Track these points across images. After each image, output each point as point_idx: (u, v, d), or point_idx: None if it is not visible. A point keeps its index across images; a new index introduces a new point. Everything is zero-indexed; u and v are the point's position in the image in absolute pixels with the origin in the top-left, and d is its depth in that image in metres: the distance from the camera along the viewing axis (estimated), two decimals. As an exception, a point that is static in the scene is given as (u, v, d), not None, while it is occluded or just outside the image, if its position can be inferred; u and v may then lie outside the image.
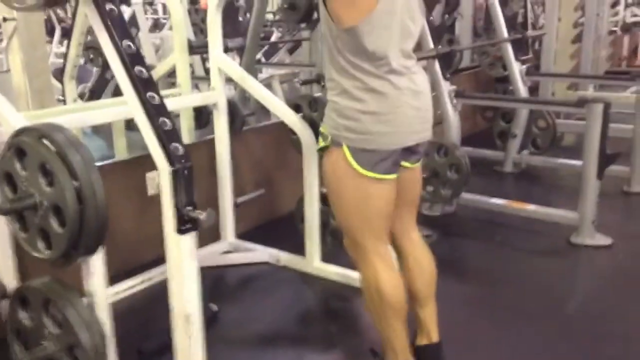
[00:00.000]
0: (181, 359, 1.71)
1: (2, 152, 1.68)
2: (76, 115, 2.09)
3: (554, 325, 2.30)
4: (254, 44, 3.79)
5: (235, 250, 2.93)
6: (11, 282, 2.07)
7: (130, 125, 3.42)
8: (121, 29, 1.52)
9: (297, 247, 2.77)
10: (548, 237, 3.12)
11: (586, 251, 2.96)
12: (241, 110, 2.91)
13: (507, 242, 3.12)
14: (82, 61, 3.97)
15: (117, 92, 4.09)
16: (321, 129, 1.78)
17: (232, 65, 2.73)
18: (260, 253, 2.86)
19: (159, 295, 2.55)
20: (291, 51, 5.76)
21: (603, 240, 3.00)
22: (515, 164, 4.22)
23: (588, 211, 2.98)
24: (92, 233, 1.58)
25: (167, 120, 1.53)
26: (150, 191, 2.71)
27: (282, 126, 2.75)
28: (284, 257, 2.81)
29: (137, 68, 1.51)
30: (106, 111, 2.23)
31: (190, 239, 1.58)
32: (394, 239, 1.90)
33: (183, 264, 1.57)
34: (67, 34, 6.17)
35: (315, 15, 3.67)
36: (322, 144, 1.77)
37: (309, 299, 2.64)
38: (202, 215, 1.52)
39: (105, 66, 4.07)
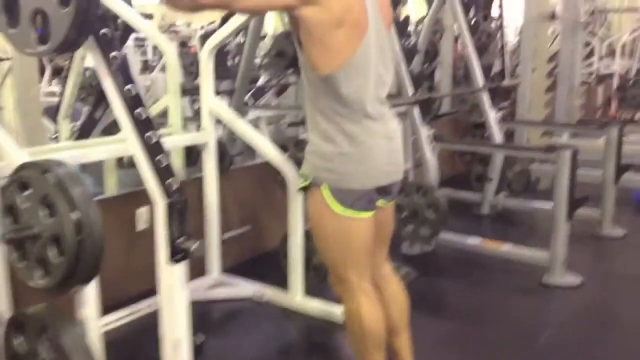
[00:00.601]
0: (170, 385, 1.79)
1: (4, 186, 1.79)
2: (74, 152, 2.20)
3: (525, 357, 2.42)
4: (243, 87, 3.97)
5: (220, 285, 3.02)
6: (5, 311, 2.14)
7: (121, 163, 3.54)
8: (123, 74, 1.66)
9: (281, 282, 2.87)
10: (522, 276, 3.26)
11: (557, 290, 3.09)
12: (229, 150, 3.05)
13: (482, 280, 3.25)
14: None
15: (106, 131, 4.23)
16: (302, 169, 1.89)
17: (222, 108, 2.88)
18: (245, 288, 2.95)
19: (145, 328, 2.64)
20: (278, 94, 5.96)
21: (573, 279, 3.14)
22: (492, 206, 4.38)
23: (559, 251, 3.13)
24: (88, 263, 1.67)
25: (162, 158, 1.66)
26: (140, 227, 2.81)
27: (267, 166, 2.88)
28: (268, 292, 2.90)
29: (137, 110, 1.65)
30: (102, 149, 2.35)
31: (181, 268, 1.69)
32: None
33: (174, 292, 1.67)
34: (56, 73, 6.32)
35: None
36: (303, 183, 1.87)
37: (292, 333, 2.73)
38: (193, 245, 1.63)
39: (95, 106, 4.20)
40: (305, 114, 1.86)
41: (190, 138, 2.96)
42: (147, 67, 6.48)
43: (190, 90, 3.04)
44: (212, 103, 2.87)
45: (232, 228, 3.21)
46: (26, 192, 1.72)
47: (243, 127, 2.82)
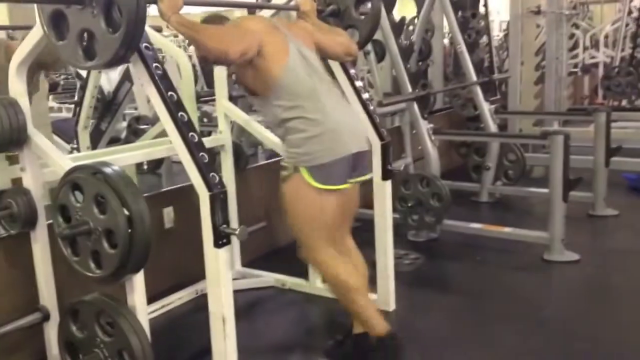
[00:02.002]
0: (217, 357, 1.98)
1: (58, 187, 1.97)
2: (111, 157, 2.39)
3: (530, 326, 2.65)
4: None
5: (242, 277, 3.22)
6: (52, 305, 2.32)
7: (140, 169, 3.74)
8: (165, 82, 1.86)
9: (298, 272, 3.07)
10: (523, 255, 3.48)
11: (557, 266, 3.31)
12: (245, 151, 3.24)
13: (486, 260, 3.47)
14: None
15: (111, 143, 4.38)
16: (283, 163, 2.24)
17: (236, 111, 3.08)
18: (267, 278, 3.15)
19: (176, 319, 2.83)
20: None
21: (571, 256, 3.36)
22: (490, 194, 4.60)
23: (557, 231, 3.35)
24: (138, 253, 1.86)
25: (205, 155, 1.86)
26: (167, 225, 3.01)
27: (279, 164, 3.07)
28: (289, 281, 3.10)
29: (180, 113, 1.85)
30: (134, 153, 2.55)
31: (225, 251, 1.89)
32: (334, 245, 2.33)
33: (220, 272, 1.87)
34: (52, 89, 6.48)
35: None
36: (285, 174, 2.22)
37: (314, 315, 2.94)
38: (236, 231, 1.83)
39: (101, 118, 4.37)
40: (271, 130, 2.38)
41: (208, 141, 3.15)
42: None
43: (206, 97, 3.23)
44: (226, 108, 3.07)
45: (248, 224, 3.39)
46: (78, 192, 1.92)
47: (258, 129, 3.02)
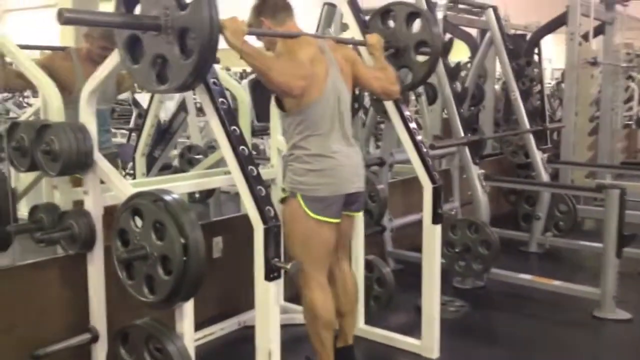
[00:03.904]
0: (261, 391, 1.98)
1: (119, 211, 2.04)
2: (170, 185, 2.46)
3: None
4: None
5: (284, 312, 3.21)
6: (102, 327, 2.36)
7: (191, 197, 3.82)
8: (229, 117, 1.92)
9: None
10: (572, 311, 3.37)
11: (607, 324, 3.20)
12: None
13: (534, 314, 3.38)
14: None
15: (162, 170, 4.50)
16: (282, 185, 2.38)
17: (290, 147, 3.12)
18: (309, 315, 3.13)
19: (218, 350, 2.84)
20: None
21: (623, 315, 3.24)
22: (539, 245, 4.50)
23: (609, 287, 3.25)
24: (192, 282, 1.90)
25: (262, 188, 1.90)
26: (215, 254, 3.05)
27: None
28: (331, 319, 3.08)
29: (241, 147, 1.90)
30: (190, 182, 2.61)
31: (275, 285, 1.90)
32: (330, 268, 2.44)
33: (269, 306, 1.88)
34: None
35: (356, 105, 4.12)
36: (282, 195, 2.37)
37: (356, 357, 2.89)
38: (288, 265, 1.84)
39: (154, 146, 4.50)
40: (286, 147, 2.39)
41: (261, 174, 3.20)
42: (201, 109, 6.84)
43: (261, 131, 3.30)
44: (280, 142, 3.12)
45: (291, 259, 3.41)
46: (138, 218, 1.98)
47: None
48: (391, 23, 2.82)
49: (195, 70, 1.74)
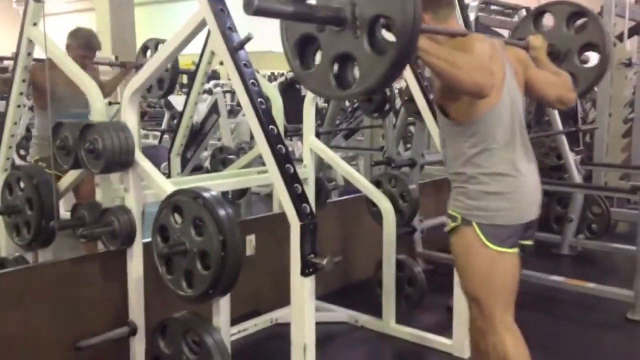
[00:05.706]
0: (296, 385, 2.03)
1: (159, 209, 2.10)
2: (206, 183, 2.53)
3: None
4: (331, 129, 4.30)
5: (316, 310, 3.25)
6: (140, 321, 2.43)
7: (224, 196, 3.88)
8: (267, 116, 1.97)
9: (371, 309, 3.08)
10: (605, 313, 3.34)
11: (642, 326, 3.17)
12: (327, 186, 3.33)
13: (566, 315, 3.36)
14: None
15: (194, 170, 4.58)
16: (450, 211, 1.97)
17: (322, 148, 3.17)
18: (340, 313, 3.18)
19: (251, 345, 2.90)
20: (346, 137, 6.30)
21: (658, 317, 3.21)
22: (572, 247, 4.46)
23: (643, 289, 3.21)
24: (229, 277, 1.95)
25: (298, 186, 1.94)
26: (248, 252, 3.10)
27: (359, 200, 3.13)
28: (362, 318, 3.12)
29: (279, 146, 1.95)
30: (226, 181, 2.68)
31: (311, 281, 1.95)
32: None
33: (305, 301, 1.93)
34: (141, 117, 6.85)
35: (387, 106, 4.16)
36: (452, 225, 1.96)
37: (387, 355, 2.92)
38: (323, 261, 1.89)
39: (187, 147, 4.57)
40: (448, 168, 2.00)
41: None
42: (232, 111, 6.95)
43: (294, 132, 3.36)
44: (313, 143, 3.17)
45: (325, 257, 3.45)
46: (178, 214, 2.04)
47: (342, 165, 3.10)
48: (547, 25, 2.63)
49: (393, 67, 1.47)
